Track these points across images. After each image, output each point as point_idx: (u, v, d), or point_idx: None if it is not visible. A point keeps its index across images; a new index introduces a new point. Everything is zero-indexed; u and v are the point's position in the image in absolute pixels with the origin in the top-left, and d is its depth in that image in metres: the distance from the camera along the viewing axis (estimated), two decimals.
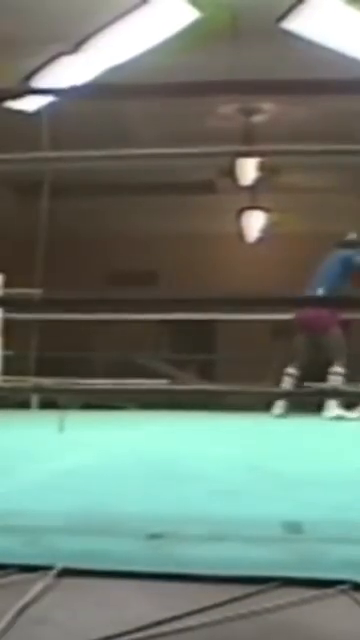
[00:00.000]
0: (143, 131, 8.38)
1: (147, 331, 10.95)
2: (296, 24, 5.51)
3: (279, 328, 10.82)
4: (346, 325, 7.08)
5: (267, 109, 8.35)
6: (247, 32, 6.39)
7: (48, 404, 6.52)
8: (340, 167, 9.34)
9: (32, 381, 6.31)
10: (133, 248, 12.40)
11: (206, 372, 10.80)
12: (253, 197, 9.66)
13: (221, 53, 6.46)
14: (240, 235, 10.23)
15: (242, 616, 1.29)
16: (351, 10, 5.21)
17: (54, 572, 1.49)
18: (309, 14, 5.36)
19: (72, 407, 6.62)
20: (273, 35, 5.92)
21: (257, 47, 6.50)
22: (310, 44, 5.79)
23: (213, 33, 6.31)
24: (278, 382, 7.14)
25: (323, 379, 6.75)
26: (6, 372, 7.22)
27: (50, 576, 1.47)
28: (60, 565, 1.51)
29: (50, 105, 5.99)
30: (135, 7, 5.84)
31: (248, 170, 8.53)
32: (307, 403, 6.69)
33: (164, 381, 8.12)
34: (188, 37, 6.12)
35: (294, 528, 1.94)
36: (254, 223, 10.09)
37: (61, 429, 5.18)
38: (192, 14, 5.79)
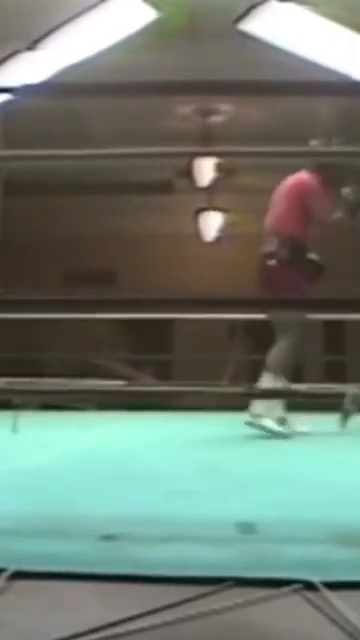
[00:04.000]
0: (100, 130, 8.35)
1: (104, 331, 10.93)
2: (252, 26, 5.53)
3: (236, 328, 10.87)
4: None
5: (224, 110, 8.38)
6: (205, 33, 6.41)
7: (2, 405, 6.45)
8: (296, 168, 9.41)
9: None
10: (91, 248, 12.36)
11: (163, 372, 10.80)
12: (210, 198, 9.70)
13: (179, 53, 6.47)
14: (198, 235, 10.27)
15: (195, 617, 1.29)
16: (307, 12, 5.25)
17: (6, 575, 1.48)
18: (266, 16, 5.39)
19: (29, 408, 6.56)
20: (231, 36, 5.94)
21: (215, 48, 6.53)
22: (267, 46, 5.83)
23: (171, 33, 6.31)
24: (234, 381, 7.15)
25: None
26: None
27: (2, 579, 1.46)
28: (12, 568, 1.49)
29: (5, 103, 5.94)
30: (93, 6, 5.82)
31: (205, 171, 8.56)
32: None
33: (121, 382, 8.10)
34: (146, 37, 6.11)
35: (247, 528, 1.95)
36: (211, 223, 10.14)
37: (14, 429, 5.14)
38: (150, 14, 5.78)
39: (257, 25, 5.52)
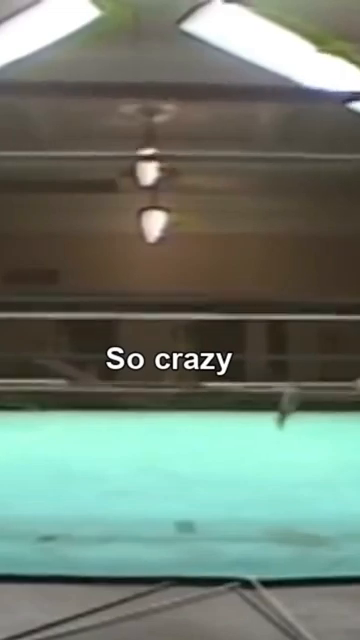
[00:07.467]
0: (45, 128, 8.28)
1: (47, 331, 10.83)
2: (195, 26, 5.54)
3: (180, 328, 10.89)
4: None
5: (168, 109, 8.39)
6: (149, 32, 6.40)
7: None
8: (240, 169, 9.47)
9: None
10: (34, 246, 12.26)
11: (106, 372, 10.75)
12: (154, 197, 9.69)
13: (122, 52, 6.44)
14: (141, 235, 10.25)
15: (133, 616, 1.30)
16: (247, 13, 5.28)
17: None
18: (208, 17, 5.40)
19: None
20: (174, 36, 5.95)
21: (158, 47, 6.53)
22: (209, 46, 5.84)
23: (114, 32, 6.29)
24: (177, 382, 7.14)
25: None
26: None
27: None
28: None
29: None
30: (35, 2, 5.77)
31: (149, 170, 8.55)
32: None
33: (63, 381, 8.04)
34: (89, 35, 6.08)
35: (187, 528, 1.96)
36: (154, 223, 10.11)
37: None
38: (93, 12, 5.75)
39: (200, 26, 5.53)
